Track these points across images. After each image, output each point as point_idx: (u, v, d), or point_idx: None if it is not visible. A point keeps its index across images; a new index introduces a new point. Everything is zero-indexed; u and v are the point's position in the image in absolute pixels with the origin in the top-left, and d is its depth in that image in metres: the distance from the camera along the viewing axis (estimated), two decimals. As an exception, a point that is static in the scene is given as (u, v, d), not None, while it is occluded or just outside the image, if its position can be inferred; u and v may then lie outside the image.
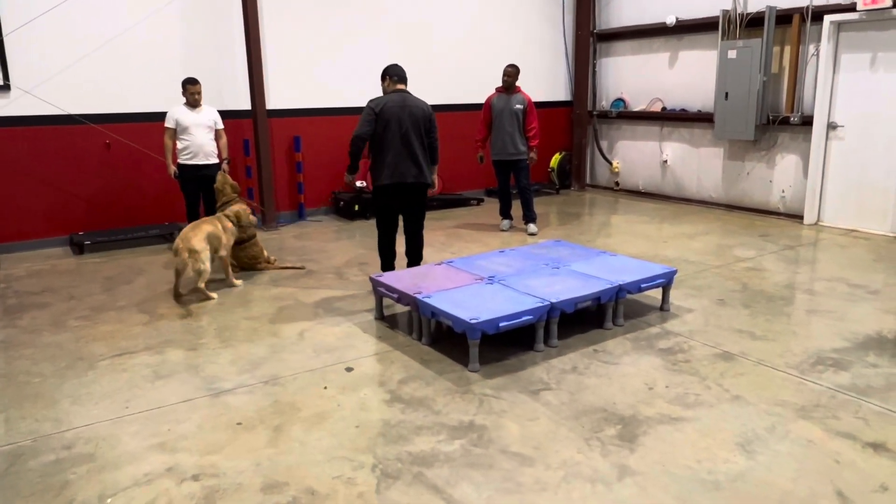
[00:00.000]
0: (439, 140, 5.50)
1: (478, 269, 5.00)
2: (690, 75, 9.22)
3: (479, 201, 9.63)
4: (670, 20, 9.08)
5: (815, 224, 7.98)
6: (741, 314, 4.93)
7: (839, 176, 7.76)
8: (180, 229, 5.75)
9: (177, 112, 6.64)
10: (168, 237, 7.37)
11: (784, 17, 7.89)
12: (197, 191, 6.81)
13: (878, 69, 7.27)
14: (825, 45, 7.56)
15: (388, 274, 5.05)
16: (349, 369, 4.07)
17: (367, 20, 8.73)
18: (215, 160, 6.82)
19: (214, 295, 5.45)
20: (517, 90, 7.61)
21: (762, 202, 8.60)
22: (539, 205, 8.65)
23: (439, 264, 5.23)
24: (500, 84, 7.66)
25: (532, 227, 7.72)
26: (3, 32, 6.64)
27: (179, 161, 6.71)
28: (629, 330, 4.63)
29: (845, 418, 3.38)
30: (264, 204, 8.11)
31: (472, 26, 9.62)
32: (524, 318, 4.09)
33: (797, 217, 8.13)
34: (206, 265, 5.36)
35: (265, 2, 7.96)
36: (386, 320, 4.91)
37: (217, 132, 6.86)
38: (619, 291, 4.60)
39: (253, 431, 3.35)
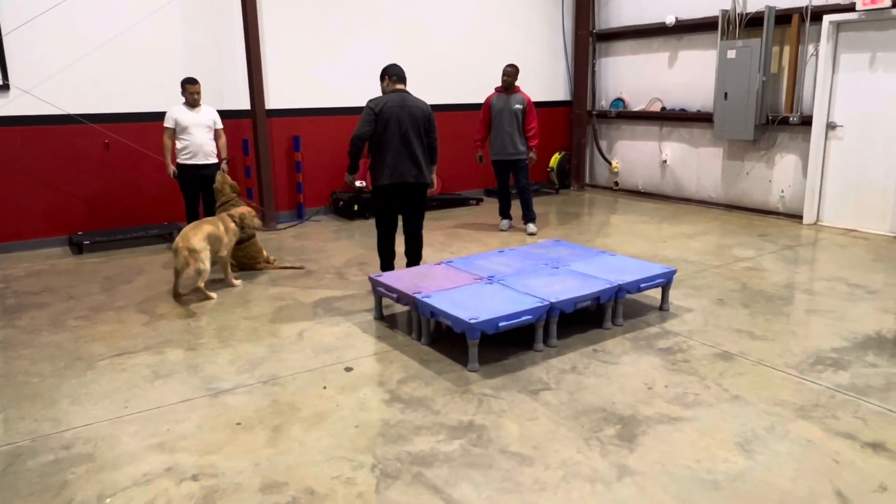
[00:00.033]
0: (439, 140, 5.50)
1: (477, 268, 5.00)
2: (690, 75, 9.22)
3: (479, 201, 9.63)
4: (670, 20, 9.08)
5: (815, 224, 7.99)
6: (740, 314, 4.93)
7: (838, 176, 7.77)
8: (180, 229, 5.75)
9: (176, 112, 6.64)
10: (167, 237, 7.37)
11: (783, 17, 7.89)
12: (196, 190, 6.81)
13: (877, 69, 7.28)
14: (824, 45, 7.56)
15: (387, 274, 5.05)
16: (348, 369, 4.07)
17: (366, 20, 8.73)
18: (214, 160, 6.81)
19: (214, 295, 5.45)
20: (516, 90, 7.61)
21: (761, 202, 8.60)
22: (538, 205, 8.65)
23: (439, 264, 5.23)
24: (499, 84, 7.67)
25: (531, 227, 7.72)
26: (3, 32, 6.63)
27: (179, 161, 6.71)
28: (628, 330, 4.63)
29: (844, 418, 3.38)
30: (263, 204, 8.11)
31: (471, 26, 9.62)
32: (523, 318, 4.09)
33: (796, 217, 8.14)
34: (206, 265, 5.35)
35: (265, 1, 7.95)
36: (385, 320, 4.91)
37: (216, 132, 6.85)
38: (619, 291, 4.60)
39: (252, 431, 3.35)
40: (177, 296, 5.45)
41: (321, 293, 5.57)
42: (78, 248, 7.00)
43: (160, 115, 6.74)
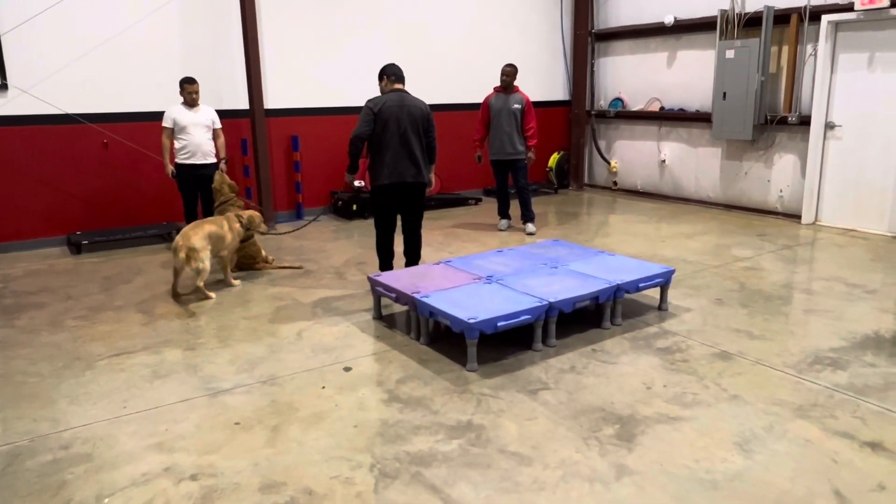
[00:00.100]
0: (437, 139, 5.50)
1: (476, 268, 5.00)
2: (688, 75, 9.23)
3: (478, 201, 9.63)
4: (668, 20, 9.09)
5: (813, 224, 7.99)
6: (739, 314, 4.93)
7: (837, 175, 7.77)
8: (178, 229, 5.75)
9: (174, 111, 6.63)
10: (166, 237, 7.37)
11: (782, 17, 7.90)
12: (195, 190, 6.81)
13: (875, 69, 7.28)
14: (823, 45, 7.57)
15: (386, 273, 5.05)
16: (347, 369, 4.07)
17: (366, 19, 8.72)
18: (213, 160, 6.81)
19: (213, 295, 5.45)
20: (515, 90, 7.61)
21: (760, 202, 8.61)
22: (537, 204, 8.65)
23: (437, 264, 5.23)
24: (498, 84, 7.66)
25: (530, 227, 7.72)
26: (1, 31, 6.63)
27: (177, 160, 6.70)
28: (627, 329, 4.63)
29: (843, 418, 3.38)
30: (262, 204, 8.10)
31: (470, 26, 9.62)
32: (522, 318, 4.09)
33: (795, 217, 8.14)
34: (206, 264, 5.35)
35: (263, 1, 7.95)
36: (384, 320, 4.91)
37: (215, 132, 6.85)
38: (618, 291, 4.60)
39: (251, 431, 3.34)
40: (176, 295, 5.44)
41: (320, 293, 5.57)
42: (76, 248, 7.00)
43: (159, 115, 6.73)
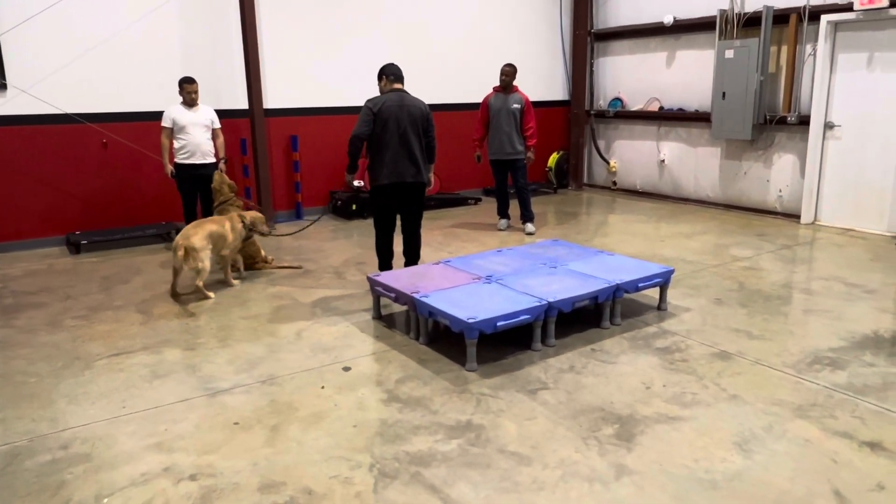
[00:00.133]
0: (437, 139, 5.50)
1: (475, 268, 5.00)
2: (688, 75, 9.23)
3: (477, 201, 9.63)
4: (668, 20, 9.09)
5: (812, 223, 8.00)
6: (738, 313, 4.94)
7: (836, 175, 7.78)
8: (178, 229, 5.75)
9: (173, 111, 6.62)
10: (165, 237, 7.37)
11: (781, 17, 7.90)
12: (194, 190, 6.80)
13: (874, 69, 7.29)
14: (822, 45, 7.57)
15: (385, 273, 5.05)
16: (346, 369, 4.07)
17: (365, 19, 8.72)
18: (212, 159, 6.80)
19: (212, 294, 5.44)
20: (514, 89, 7.61)
21: (759, 202, 8.61)
22: (536, 204, 8.65)
23: (437, 264, 5.22)
24: (497, 83, 7.66)
25: (529, 227, 7.72)
26: (0, 31, 6.62)
27: (176, 160, 6.69)
28: (626, 329, 4.63)
29: (842, 417, 3.38)
30: (261, 203, 8.10)
31: (470, 26, 9.62)
32: (522, 318, 4.09)
33: (794, 216, 8.15)
34: (205, 264, 5.35)
35: (263, 1, 7.95)
36: (383, 320, 4.91)
37: (214, 131, 6.84)
38: (617, 291, 4.60)
39: (250, 431, 3.34)
40: (175, 295, 5.44)
41: (319, 293, 5.56)
42: (75, 248, 6.99)
43: (158, 115, 6.72)
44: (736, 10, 8.27)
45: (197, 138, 6.65)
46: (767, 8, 7.89)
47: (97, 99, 7.20)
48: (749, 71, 8.03)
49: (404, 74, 5.41)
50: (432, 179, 5.64)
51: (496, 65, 7.80)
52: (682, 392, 3.69)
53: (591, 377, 3.89)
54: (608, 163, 10.55)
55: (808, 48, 7.75)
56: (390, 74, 5.34)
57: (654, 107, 9.72)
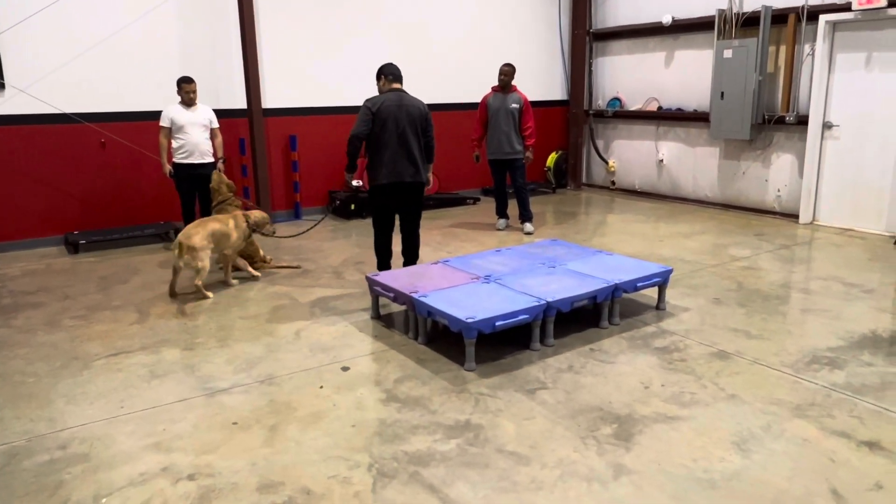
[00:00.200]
0: (436, 139, 5.50)
1: (474, 268, 5.00)
2: (686, 75, 9.23)
3: (476, 200, 9.63)
4: (666, 19, 9.09)
5: (811, 223, 8.00)
6: (737, 313, 4.94)
7: (834, 175, 7.79)
8: (176, 229, 5.74)
9: (172, 111, 6.62)
10: (163, 236, 7.37)
11: (779, 17, 7.91)
12: (192, 190, 6.80)
13: (873, 69, 7.29)
14: (820, 45, 7.58)
15: (384, 273, 5.05)
16: (345, 369, 4.07)
17: (364, 19, 8.72)
18: (211, 159, 6.80)
19: (210, 294, 5.44)
20: (513, 89, 7.61)
21: (758, 201, 8.62)
22: (535, 204, 8.65)
23: (436, 263, 5.22)
24: (496, 83, 7.66)
25: (528, 227, 7.72)
26: (-2, 31, 6.63)
27: (175, 160, 6.69)
28: (625, 329, 4.64)
29: (840, 417, 3.39)
30: (260, 203, 8.10)
31: (469, 26, 9.62)
32: (520, 318, 4.09)
33: (793, 216, 8.15)
34: (205, 263, 5.34)
35: (262, 0, 7.94)
36: (382, 319, 4.90)
37: (212, 131, 6.84)
38: (616, 290, 4.61)
39: (249, 431, 3.34)
40: (173, 295, 5.43)
41: (318, 293, 5.56)
42: (74, 248, 6.98)
43: (156, 115, 6.72)
44: (734, 10, 8.27)
45: (195, 138, 6.65)
46: (766, 8, 7.90)
47: (96, 98, 7.20)
48: (747, 71, 8.03)
49: (403, 74, 5.41)
50: (431, 179, 5.64)
51: (495, 64, 7.80)
52: (681, 392, 3.69)
53: (590, 377, 3.89)
54: (607, 162, 10.56)
55: (807, 48, 7.76)
56: (389, 74, 5.34)
57: (653, 107, 9.73)
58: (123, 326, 4.83)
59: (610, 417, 3.41)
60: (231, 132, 7.84)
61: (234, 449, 3.17)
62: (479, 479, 2.89)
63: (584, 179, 11.01)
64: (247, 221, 5.78)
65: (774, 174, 8.38)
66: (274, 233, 6.16)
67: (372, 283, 4.81)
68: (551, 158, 10.56)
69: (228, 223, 5.62)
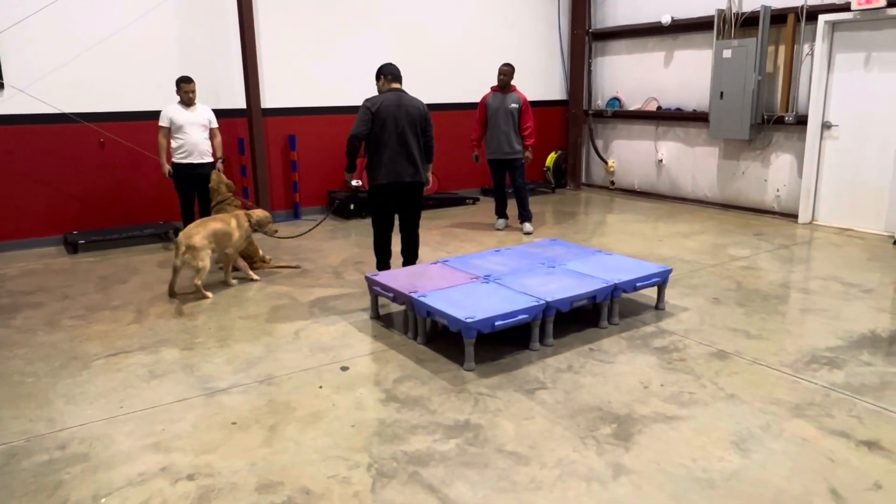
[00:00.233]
0: (435, 139, 5.50)
1: (473, 268, 5.00)
2: (686, 75, 9.24)
3: (475, 200, 9.63)
4: (665, 19, 9.10)
5: (810, 223, 8.01)
6: (736, 313, 4.94)
7: (833, 175, 7.79)
8: (176, 229, 5.74)
9: (171, 111, 6.61)
10: (163, 236, 7.36)
11: (779, 17, 7.91)
12: (191, 190, 6.79)
13: (872, 69, 7.30)
14: (820, 45, 7.58)
15: (383, 273, 5.05)
16: (344, 368, 4.07)
17: (363, 19, 8.71)
18: (210, 159, 6.79)
19: (210, 294, 5.44)
20: (512, 89, 7.61)
21: (757, 201, 8.62)
22: (535, 204, 8.65)
23: (435, 263, 5.22)
24: (495, 83, 7.66)
25: (528, 227, 7.72)
26: (-3, 30, 6.63)
27: (174, 160, 6.68)
28: (624, 329, 4.64)
29: (839, 417, 3.39)
30: (259, 203, 8.09)
31: (468, 26, 9.62)
32: (520, 317, 4.09)
33: (792, 216, 8.16)
34: (205, 263, 5.34)
35: (261, 0, 7.94)
36: (381, 319, 4.90)
37: (212, 131, 6.83)
38: (615, 290, 4.61)
39: (248, 431, 3.34)
40: (173, 294, 5.43)
41: (317, 292, 5.56)
42: (73, 248, 6.98)
43: (155, 115, 6.72)
44: (734, 10, 8.28)
45: (194, 138, 6.64)
46: (765, 8, 7.90)
47: (95, 98, 7.19)
48: (747, 71, 8.03)
49: (402, 74, 5.41)
50: (430, 179, 5.64)
51: (494, 64, 7.80)
52: (680, 391, 3.69)
53: (589, 377, 3.90)
54: (606, 162, 10.56)
55: (806, 48, 7.76)
56: (388, 74, 5.34)
57: (652, 106, 9.73)
58: (122, 326, 4.82)
59: (609, 417, 3.41)
60: (230, 132, 7.84)
61: (234, 449, 3.17)
62: (479, 479, 2.89)
63: (583, 179, 11.01)
64: (249, 221, 5.77)
65: (774, 174, 8.39)
66: (276, 232, 6.16)
67: (371, 282, 4.81)
68: (551, 158, 10.56)
69: (230, 223, 5.62)
